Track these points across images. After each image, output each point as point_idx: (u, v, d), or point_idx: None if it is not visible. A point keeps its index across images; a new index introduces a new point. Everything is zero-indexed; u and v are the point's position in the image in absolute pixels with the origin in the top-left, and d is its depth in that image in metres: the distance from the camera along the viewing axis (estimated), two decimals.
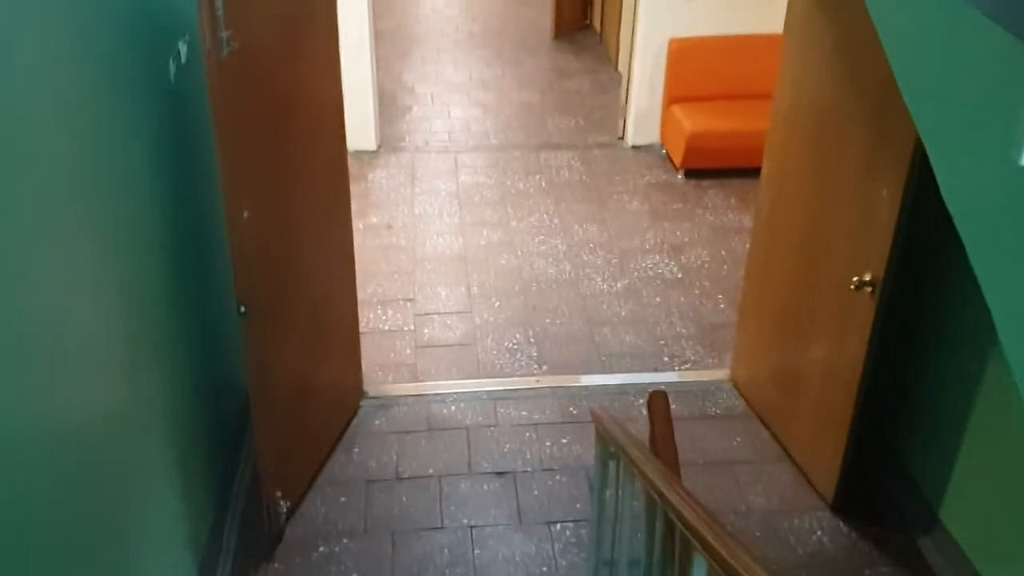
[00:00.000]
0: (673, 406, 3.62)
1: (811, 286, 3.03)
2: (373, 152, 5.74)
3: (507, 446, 3.34)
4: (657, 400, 2.10)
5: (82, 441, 1.81)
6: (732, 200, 5.29)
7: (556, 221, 4.97)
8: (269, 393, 2.70)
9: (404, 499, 3.09)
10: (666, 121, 5.76)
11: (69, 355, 1.74)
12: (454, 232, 4.84)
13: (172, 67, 2.42)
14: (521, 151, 5.84)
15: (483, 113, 6.44)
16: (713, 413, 3.55)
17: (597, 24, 8.06)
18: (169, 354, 2.43)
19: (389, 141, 5.91)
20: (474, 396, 3.59)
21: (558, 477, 3.20)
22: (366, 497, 3.10)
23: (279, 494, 2.86)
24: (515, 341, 3.94)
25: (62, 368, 1.70)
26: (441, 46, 7.82)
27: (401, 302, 4.21)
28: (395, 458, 3.27)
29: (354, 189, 5.39)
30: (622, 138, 6.02)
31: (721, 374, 3.76)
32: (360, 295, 4.14)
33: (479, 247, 4.69)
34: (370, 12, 5.37)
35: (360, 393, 3.56)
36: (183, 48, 2.49)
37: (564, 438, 3.39)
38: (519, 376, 3.72)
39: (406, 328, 4.02)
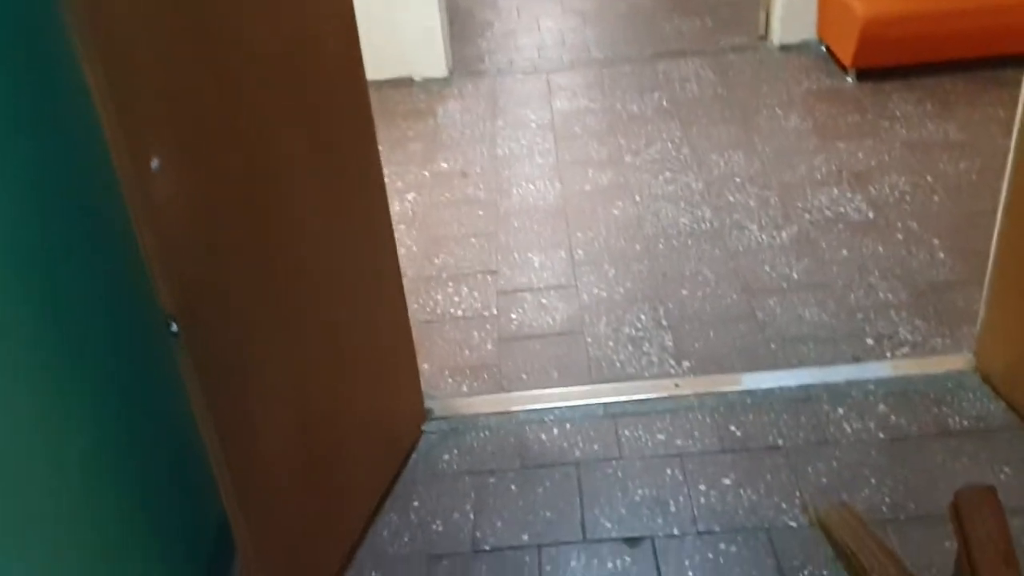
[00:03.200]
0: (891, 416, 2.51)
1: None
2: (443, 80, 4.71)
3: (639, 492, 2.29)
4: (978, 510, 1.00)
5: None
6: (929, 106, 4.01)
7: (686, 151, 3.83)
8: (244, 452, 1.75)
9: None
10: (826, 8, 4.50)
11: None
12: (549, 176, 3.78)
13: None
14: (633, 64, 4.69)
15: (581, 22, 5.30)
16: (956, 426, 2.39)
17: None
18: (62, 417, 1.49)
19: (464, 64, 4.87)
20: (585, 412, 2.56)
21: (723, 546, 2.14)
22: None
23: None
24: (640, 325, 2.87)
25: None
26: None
27: (480, 276, 3.20)
28: (471, 516, 2.28)
29: (419, 128, 4.42)
30: (765, 37, 4.80)
31: (960, 362, 2.59)
32: (425, 270, 3.16)
33: (583, 194, 3.62)
34: None
35: (421, 414, 2.59)
36: None
37: (726, 477, 2.31)
38: (649, 379, 2.66)
39: (487, 312, 3.01)
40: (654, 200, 3.52)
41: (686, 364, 2.69)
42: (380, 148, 4.18)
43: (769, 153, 3.76)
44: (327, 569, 2.11)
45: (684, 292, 3.00)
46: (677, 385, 2.61)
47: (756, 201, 3.44)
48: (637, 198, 3.54)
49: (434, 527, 2.27)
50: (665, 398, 2.57)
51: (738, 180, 3.59)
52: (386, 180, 3.89)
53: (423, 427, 2.57)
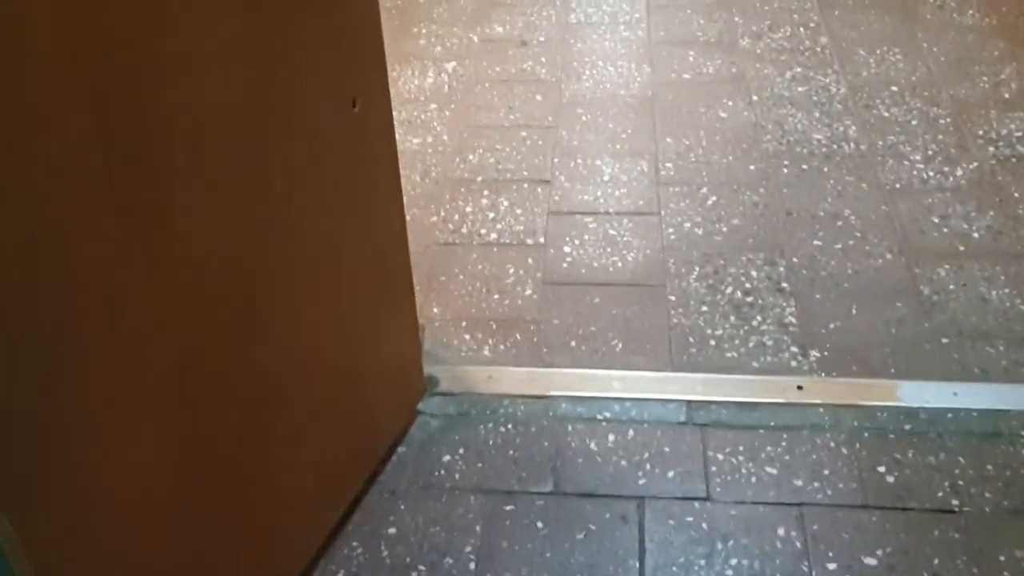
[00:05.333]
0: None
1: None
2: None
3: (733, 562, 1.50)
4: None
5: None
6: None
7: (824, 41, 2.88)
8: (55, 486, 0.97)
9: None
10: None
11: None
12: (635, 56, 2.87)
13: None
14: None
15: None
16: None
17: None
18: None
19: None
20: (660, 413, 1.75)
21: None
22: None
23: None
24: (750, 286, 2.03)
25: None
26: None
27: (527, 185, 2.35)
28: (472, 566, 1.52)
29: None
30: None
31: None
32: (454, 169, 2.35)
33: (680, 86, 2.71)
34: None
35: (418, 385, 1.80)
36: None
37: (870, 553, 1.51)
38: (759, 372, 1.83)
39: (531, 240, 2.18)
40: (778, 103, 2.60)
41: (815, 356, 1.85)
42: None
43: (937, 56, 2.80)
44: None
45: (816, 242, 2.13)
46: (801, 388, 1.78)
47: (920, 120, 2.52)
48: (754, 98, 2.63)
49: (414, 574, 1.51)
50: (782, 406, 1.75)
51: (895, 89, 2.65)
52: (421, 43, 3.02)
53: (419, 406, 1.78)
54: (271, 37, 1.12)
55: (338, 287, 1.42)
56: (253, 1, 1.07)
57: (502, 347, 1.90)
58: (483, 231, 2.21)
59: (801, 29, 2.94)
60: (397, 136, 2.55)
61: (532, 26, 3.04)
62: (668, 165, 2.39)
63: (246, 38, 1.08)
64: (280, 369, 1.32)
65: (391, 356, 1.69)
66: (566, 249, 2.15)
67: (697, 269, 2.07)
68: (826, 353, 1.85)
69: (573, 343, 1.90)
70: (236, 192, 1.13)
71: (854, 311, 1.94)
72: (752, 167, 2.37)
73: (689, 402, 1.76)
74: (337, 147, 1.32)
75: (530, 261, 2.12)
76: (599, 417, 1.74)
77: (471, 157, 2.46)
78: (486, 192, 2.33)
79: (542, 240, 2.17)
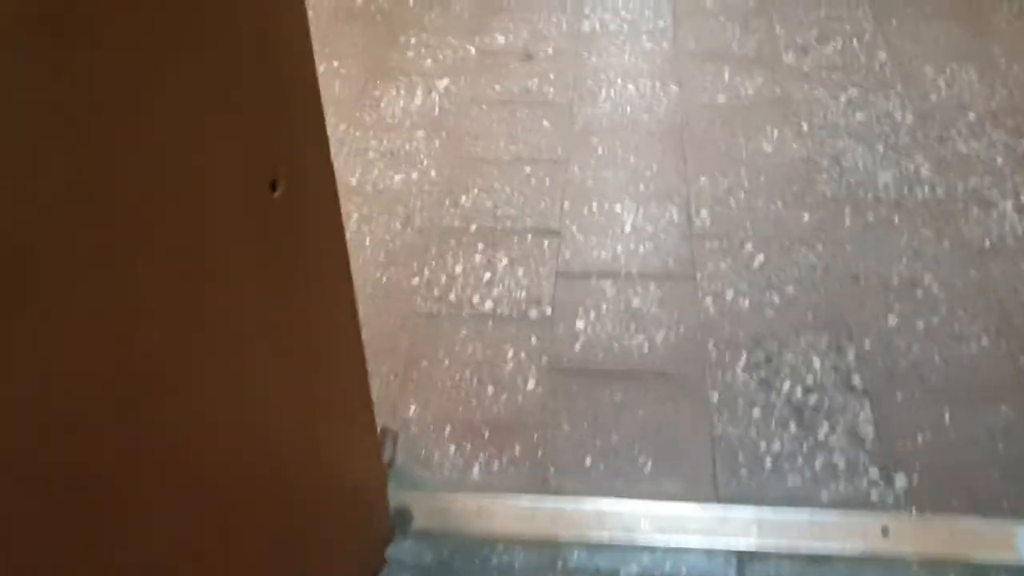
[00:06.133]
0: None
1: None
2: None
3: None
4: None
5: None
6: None
7: (883, 57, 2.45)
8: None
9: None
10: None
11: None
12: (661, 73, 2.43)
13: None
14: None
15: None
16: None
17: None
18: None
19: None
20: (702, 569, 1.33)
21: None
22: None
23: None
24: (812, 380, 1.60)
25: None
26: None
27: (532, 237, 1.93)
28: None
29: None
30: None
31: None
32: (443, 215, 1.93)
33: (714, 111, 2.28)
34: None
35: (384, 523, 1.38)
36: None
37: None
38: (829, 506, 1.41)
39: (535, 311, 1.75)
40: (833, 133, 2.17)
41: (901, 483, 1.43)
42: (408, 2, 2.88)
43: (1018, 76, 2.36)
44: None
45: (891, 319, 1.70)
46: (886, 532, 1.36)
47: (1006, 157, 2.09)
48: (804, 127, 2.20)
49: None
50: (863, 560, 1.33)
51: (972, 117, 2.22)
52: (409, 55, 2.59)
53: (387, 551, 1.37)
54: (127, 103, 0.70)
55: (261, 405, 1.00)
56: (89, 39, 0.64)
57: (496, 464, 1.48)
58: (476, 299, 1.78)
59: (854, 41, 2.50)
60: (377, 171, 2.13)
61: (539, 36, 2.61)
62: (703, 212, 1.96)
63: (77, 104, 0.65)
64: (181, 527, 0.91)
65: (345, 485, 1.27)
66: (579, 324, 1.72)
67: (745, 355, 1.64)
68: (915, 478, 1.43)
69: (588, 460, 1.48)
70: (78, 337, 0.71)
71: (947, 417, 1.52)
72: (806, 216, 1.93)
73: (740, 554, 1.34)
74: (247, 246, 0.90)
75: (534, 341, 1.69)
76: (623, 571, 1.32)
77: (464, 199, 2.03)
78: (481, 245, 1.91)
79: (549, 311, 1.75)
